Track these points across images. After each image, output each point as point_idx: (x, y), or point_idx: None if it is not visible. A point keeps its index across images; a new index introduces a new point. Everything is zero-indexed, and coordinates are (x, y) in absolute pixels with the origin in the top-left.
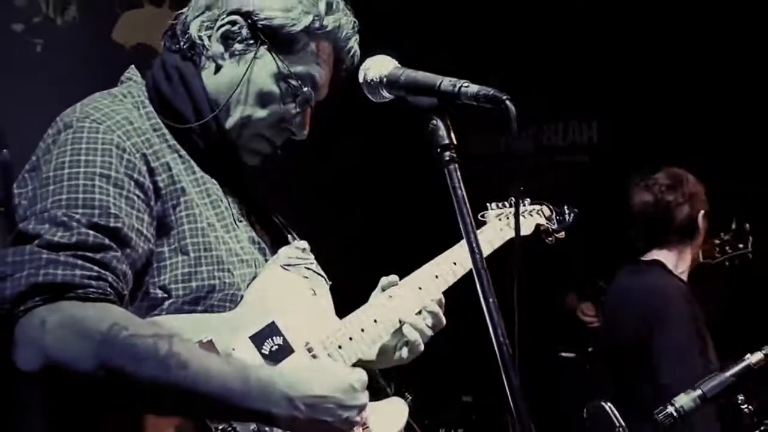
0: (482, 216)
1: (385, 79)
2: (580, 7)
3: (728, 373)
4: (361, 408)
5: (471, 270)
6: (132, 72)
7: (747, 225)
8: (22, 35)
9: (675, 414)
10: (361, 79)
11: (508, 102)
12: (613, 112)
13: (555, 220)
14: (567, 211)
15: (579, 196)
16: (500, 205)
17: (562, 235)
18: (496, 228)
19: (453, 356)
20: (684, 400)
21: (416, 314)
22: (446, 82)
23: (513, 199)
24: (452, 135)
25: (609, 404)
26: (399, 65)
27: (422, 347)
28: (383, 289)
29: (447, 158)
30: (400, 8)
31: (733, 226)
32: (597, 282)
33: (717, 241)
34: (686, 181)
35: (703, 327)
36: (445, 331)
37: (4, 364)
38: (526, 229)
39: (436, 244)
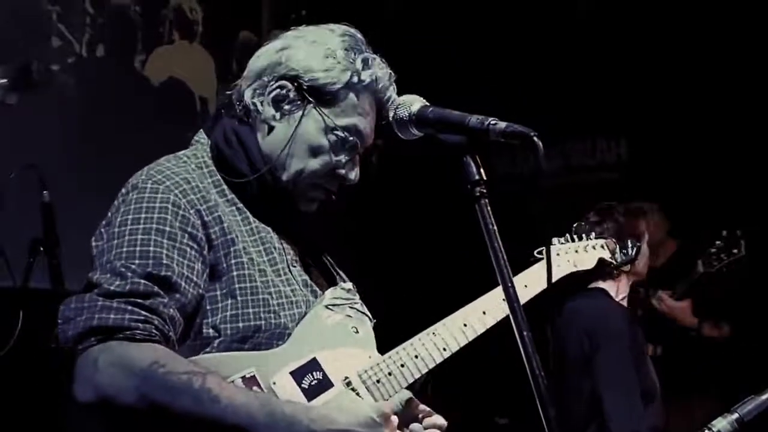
0: (539, 253)
1: (414, 117)
2: (601, 22)
3: (765, 396)
4: None
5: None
6: (200, 135)
7: (738, 231)
8: (58, 75)
9: None
10: (390, 117)
11: (535, 138)
12: (641, 129)
13: (620, 254)
14: (630, 245)
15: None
16: (562, 240)
17: (627, 268)
18: (555, 263)
19: (488, 378)
20: (722, 423)
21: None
22: (474, 120)
23: (571, 234)
24: (482, 171)
25: None
26: (427, 103)
27: None
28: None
29: (477, 194)
30: (427, 40)
31: (724, 234)
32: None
33: (712, 250)
34: (610, 216)
35: (643, 345)
36: (480, 354)
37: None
38: (589, 262)
39: (481, 281)
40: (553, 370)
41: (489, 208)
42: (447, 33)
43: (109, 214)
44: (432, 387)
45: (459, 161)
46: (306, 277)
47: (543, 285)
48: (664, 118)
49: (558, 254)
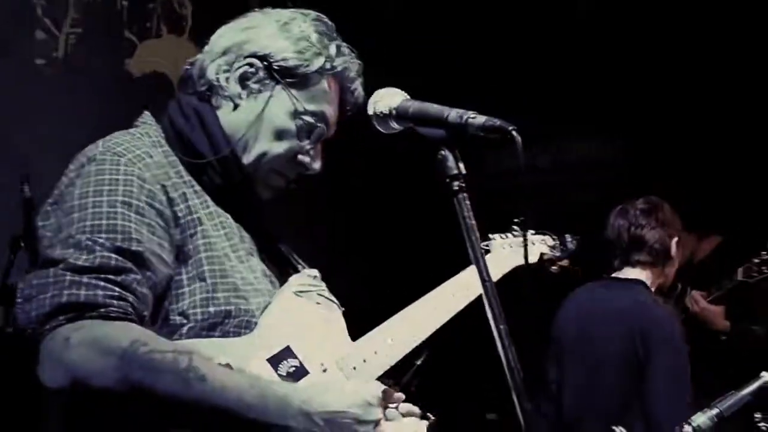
0: (486, 245)
1: (394, 111)
2: (596, 20)
3: (745, 392)
4: (377, 422)
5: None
6: (146, 116)
7: None
8: (43, 69)
9: None
10: (370, 112)
11: (514, 132)
12: (635, 129)
13: (559, 249)
14: (569, 240)
15: (599, 216)
16: (503, 235)
17: (565, 263)
18: (500, 257)
19: (477, 374)
20: (701, 419)
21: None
22: (454, 114)
23: (516, 229)
24: (460, 165)
25: (620, 429)
26: (408, 97)
27: None
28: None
29: (456, 188)
30: (415, 31)
31: None
32: None
33: (755, 260)
34: (661, 208)
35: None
36: (468, 351)
37: (30, 382)
38: (531, 258)
39: (446, 267)
40: (557, 358)
41: (468, 202)
42: (438, 30)
43: (56, 191)
44: (421, 383)
45: (437, 155)
46: (263, 267)
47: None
48: (660, 117)
49: (503, 248)
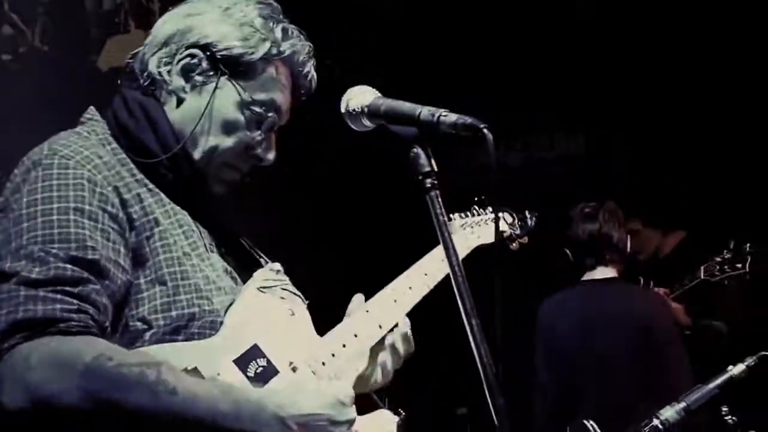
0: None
1: (366, 109)
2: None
3: (711, 385)
4: (351, 422)
5: (449, 285)
6: (92, 112)
7: (747, 246)
8: (8, 65)
9: (660, 426)
10: (342, 109)
11: (485, 130)
12: (599, 124)
13: (518, 226)
14: (529, 216)
15: (566, 206)
16: (463, 215)
17: (525, 240)
18: (461, 238)
19: (447, 370)
20: (669, 412)
21: (389, 331)
22: (425, 112)
23: (476, 208)
24: (432, 162)
25: (591, 422)
26: (380, 95)
27: (392, 373)
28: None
29: (428, 185)
30: (388, 28)
31: (731, 246)
32: None
33: (717, 259)
34: (617, 210)
35: None
36: (438, 346)
37: None
38: (489, 237)
39: (410, 258)
40: (554, 360)
41: (439, 198)
42: (413, 29)
43: (2, 198)
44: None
45: (409, 152)
46: (224, 264)
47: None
48: (624, 113)
49: (463, 228)
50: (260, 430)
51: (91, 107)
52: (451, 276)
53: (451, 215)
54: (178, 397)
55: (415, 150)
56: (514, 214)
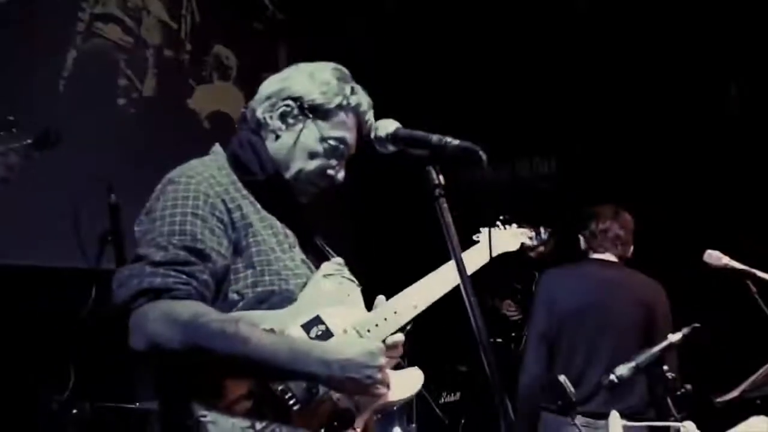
0: (476, 237)
1: (390, 136)
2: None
3: (656, 349)
4: (380, 367)
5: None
6: (217, 147)
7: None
8: (124, 108)
9: (616, 380)
10: (372, 136)
11: (480, 153)
12: (568, 149)
13: (536, 239)
14: (543, 231)
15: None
16: (493, 228)
17: (542, 249)
18: (494, 244)
19: (450, 334)
20: (623, 369)
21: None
22: (435, 138)
23: (500, 224)
24: (440, 177)
25: (563, 376)
26: (401, 126)
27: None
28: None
29: (437, 195)
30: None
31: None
32: (515, 284)
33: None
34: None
35: None
36: (446, 316)
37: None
38: (514, 245)
39: (436, 258)
40: (596, 328)
41: (446, 205)
42: (408, 55)
43: (148, 204)
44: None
45: (423, 170)
46: (303, 256)
47: (481, 261)
48: (588, 141)
49: (494, 237)
50: (310, 370)
51: (217, 143)
52: (455, 265)
53: (481, 228)
54: (249, 345)
55: (427, 168)
56: (533, 229)
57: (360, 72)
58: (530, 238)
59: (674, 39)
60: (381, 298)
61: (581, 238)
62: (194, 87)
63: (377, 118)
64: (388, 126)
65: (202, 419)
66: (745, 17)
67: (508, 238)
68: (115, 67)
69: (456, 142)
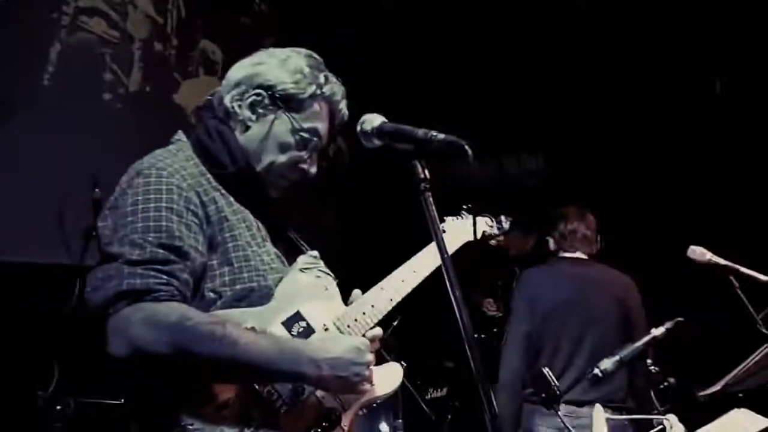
0: (442, 226)
1: (376, 130)
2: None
3: (639, 343)
4: (368, 363)
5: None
6: (180, 135)
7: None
8: (109, 102)
9: (600, 374)
10: (358, 130)
11: (466, 146)
12: (556, 146)
13: (496, 228)
14: (504, 220)
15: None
16: (455, 218)
17: (502, 238)
18: (454, 234)
19: (437, 331)
20: (607, 363)
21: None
22: (420, 132)
23: (464, 213)
24: (426, 171)
25: (546, 369)
26: (386, 120)
27: None
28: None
29: (422, 188)
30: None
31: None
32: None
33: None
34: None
35: None
36: (432, 312)
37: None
38: (476, 234)
39: (406, 250)
40: (574, 323)
41: (431, 199)
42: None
43: (113, 198)
44: (397, 339)
45: (408, 164)
46: (275, 250)
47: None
48: (576, 139)
49: (456, 227)
50: (299, 370)
51: (180, 131)
52: (440, 257)
53: (444, 218)
54: (238, 347)
55: (412, 162)
56: (493, 218)
57: (347, 66)
58: (490, 227)
59: (659, 37)
60: (357, 292)
61: (551, 240)
62: (180, 82)
63: (364, 112)
64: (373, 120)
65: (189, 427)
66: (730, 16)
67: (470, 227)
68: (100, 61)
69: (442, 136)
